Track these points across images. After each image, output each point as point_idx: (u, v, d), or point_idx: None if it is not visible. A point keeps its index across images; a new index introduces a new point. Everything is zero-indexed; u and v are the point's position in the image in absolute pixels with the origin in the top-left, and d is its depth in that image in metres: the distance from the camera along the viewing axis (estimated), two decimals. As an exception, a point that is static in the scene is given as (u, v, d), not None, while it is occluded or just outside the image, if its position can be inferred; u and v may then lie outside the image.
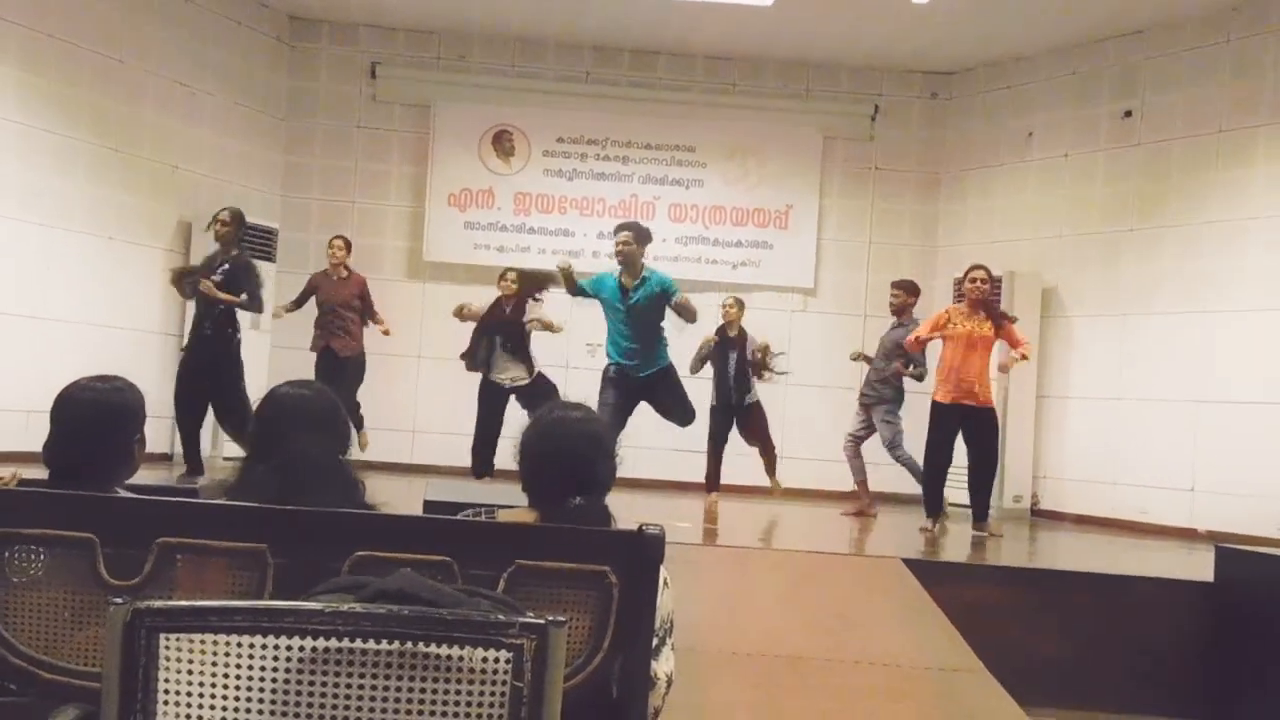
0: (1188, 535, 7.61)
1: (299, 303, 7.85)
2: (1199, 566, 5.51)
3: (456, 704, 1.23)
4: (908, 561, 5.17)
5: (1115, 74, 8.70)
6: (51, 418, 2.33)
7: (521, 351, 7.56)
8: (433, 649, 1.23)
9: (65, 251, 7.78)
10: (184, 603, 1.25)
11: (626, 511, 2.34)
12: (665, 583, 2.15)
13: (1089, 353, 8.68)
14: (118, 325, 8.18)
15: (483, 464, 7.37)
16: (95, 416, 2.31)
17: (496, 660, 1.24)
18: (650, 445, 8.31)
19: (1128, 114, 8.58)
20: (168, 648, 1.21)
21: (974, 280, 6.59)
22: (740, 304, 7.57)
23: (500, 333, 7.57)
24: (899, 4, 8.32)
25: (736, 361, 7.43)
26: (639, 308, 6.60)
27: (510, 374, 7.53)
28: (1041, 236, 9.10)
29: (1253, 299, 7.61)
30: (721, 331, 7.49)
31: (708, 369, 7.49)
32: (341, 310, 7.75)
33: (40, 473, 2.42)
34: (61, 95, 7.72)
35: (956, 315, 6.61)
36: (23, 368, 7.29)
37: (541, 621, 1.26)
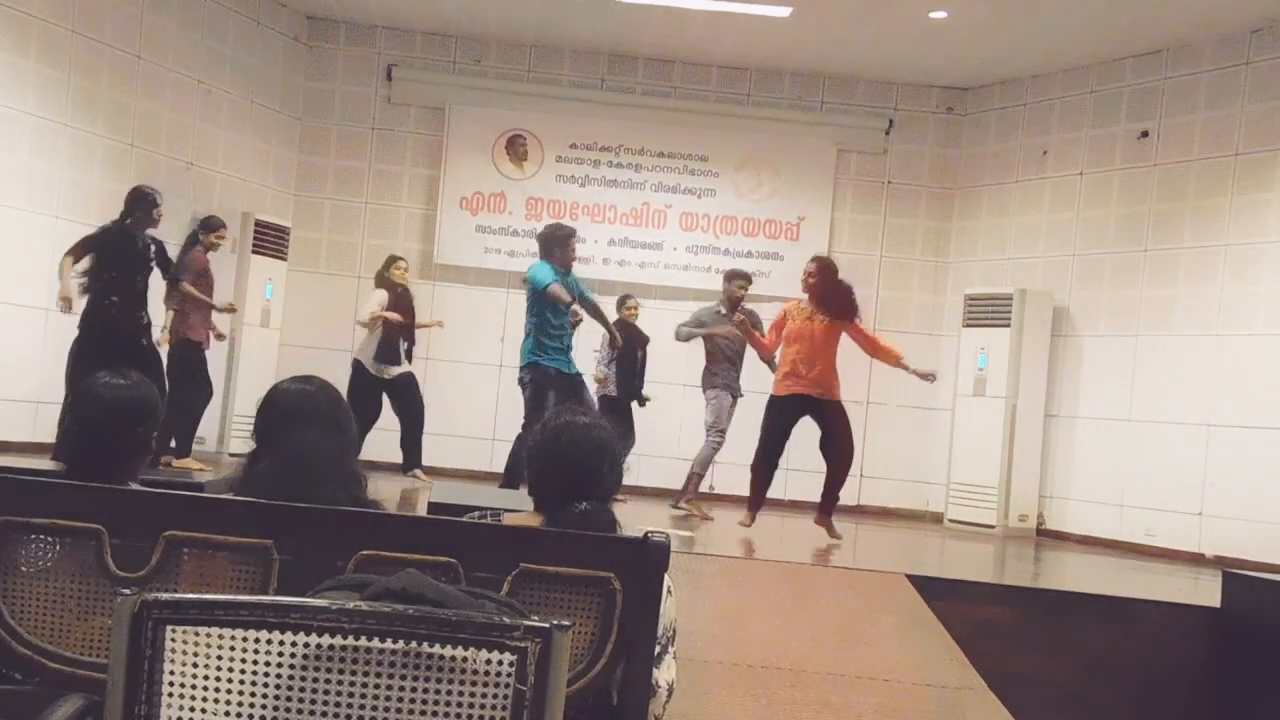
0: (1195, 559, 7.57)
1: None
2: (1206, 591, 5.48)
3: (459, 705, 1.23)
4: (911, 577, 5.15)
5: (1132, 94, 8.69)
6: (74, 415, 2.35)
7: None
8: (437, 649, 1.22)
9: (78, 245, 7.81)
10: (191, 596, 1.25)
11: (631, 519, 2.34)
12: (669, 590, 2.15)
13: (1099, 373, 8.66)
14: (129, 319, 8.19)
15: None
16: (116, 414, 2.33)
17: (500, 663, 1.24)
18: (654, 453, 8.33)
19: (1144, 134, 8.57)
20: (174, 640, 1.21)
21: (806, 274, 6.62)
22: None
23: None
24: (916, 18, 8.32)
25: (641, 359, 8.09)
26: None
27: None
28: (1054, 255, 9.08)
29: (1267, 323, 7.58)
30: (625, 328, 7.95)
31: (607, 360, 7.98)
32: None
33: (50, 463, 2.43)
34: (79, 90, 7.76)
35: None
36: (33, 360, 7.32)
37: (546, 625, 1.26)
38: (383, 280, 8.09)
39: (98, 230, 6.62)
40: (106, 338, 6.37)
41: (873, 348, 6.75)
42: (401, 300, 8.04)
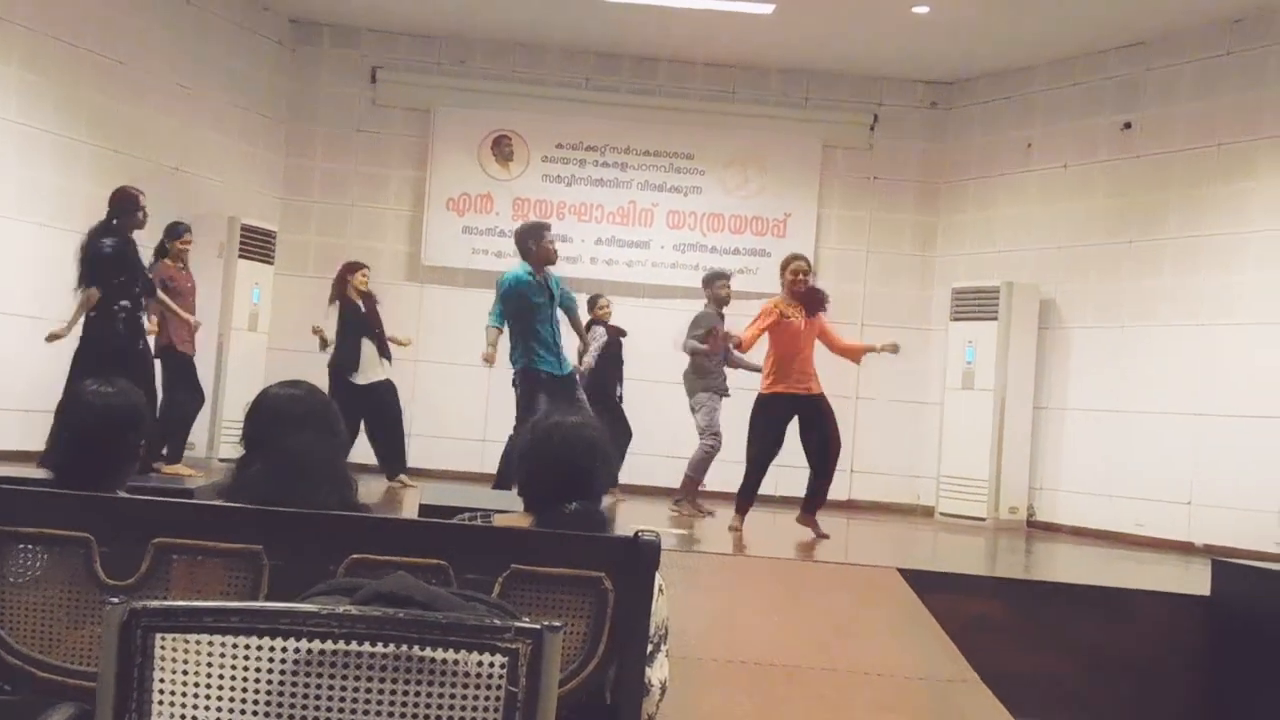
0: (1184, 549, 7.60)
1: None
2: (1195, 580, 5.51)
3: (451, 708, 1.23)
4: (903, 571, 5.16)
5: (1116, 85, 8.72)
6: (61, 423, 2.34)
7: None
8: (428, 652, 1.22)
9: (65, 252, 7.75)
10: (180, 603, 1.25)
11: (621, 517, 2.34)
12: (660, 589, 2.15)
13: (1087, 365, 8.69)
14: (115, 326, 8.15)
15: None
16: (105, 423, 2.33)
17: (491, 665, 1.24)
18: (648, 452, 8.33)
19: (1128, 126, 8.60)
20: (163, 648, 1.20)
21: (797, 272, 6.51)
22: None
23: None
24: (900, 13, 8.34)
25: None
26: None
27: None
28: (1040, 248, 9.11)
29: (1252, 313, 7.62)
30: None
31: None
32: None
33: (39, 472, 2.42)
34: (63, 96, 7.72)
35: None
36: (21, 368, 7.28)
37: (537, 626, 1.26)
38: (340, 292, 7.77)
39: (99, 245, 6.45)
40: (116, 343, 6.31)
41: (837, 345, 6.69)
42: (368, 309, 7.90)
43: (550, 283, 6.68)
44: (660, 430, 8.43)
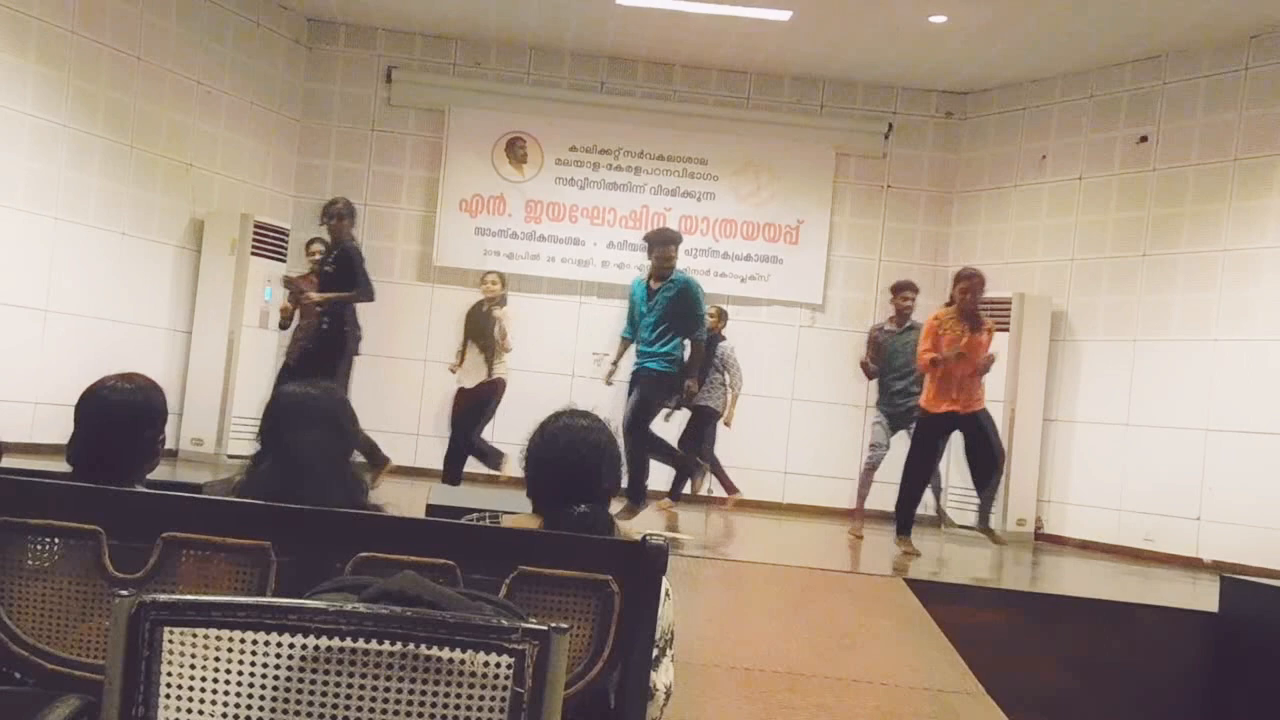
0: (1193, 564, 7.57)
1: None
2: (1203, 596, 5.49)
3: (456, 707, 1.23)
4: (909, 581, 5.15)
5: (1131, 99, 8.70)
6: (77, 417, 2.34)
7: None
8: (434, 651, 1.22)
9: (78, 246, 7.81)
10: (189, 597, 1.25)
11: (628, 521, 2.34)
12: (667, 594, 2.15)
13: (1098, 377, 8.66)
14: (128, 320, 8.20)
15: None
16: (124, 417, 2.32)
17: (498, 665, 1.24)
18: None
19: (1143, 139, 8.58)
20: (171, 641, 1.21)
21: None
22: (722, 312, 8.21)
23: None
24: (916, 22, 8.33)
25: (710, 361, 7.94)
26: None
27: None
28: (1053, 260, 9.09)
29: (1265, 328, 7.58)
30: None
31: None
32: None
33: (47, 464, 2.43)
34: (79, 90, 7.76)
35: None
36: (32, 361, 7.32)
37: (544, 628, 1.26)
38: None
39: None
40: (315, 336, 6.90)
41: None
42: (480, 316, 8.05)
43: (658, 294, 6.52)
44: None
